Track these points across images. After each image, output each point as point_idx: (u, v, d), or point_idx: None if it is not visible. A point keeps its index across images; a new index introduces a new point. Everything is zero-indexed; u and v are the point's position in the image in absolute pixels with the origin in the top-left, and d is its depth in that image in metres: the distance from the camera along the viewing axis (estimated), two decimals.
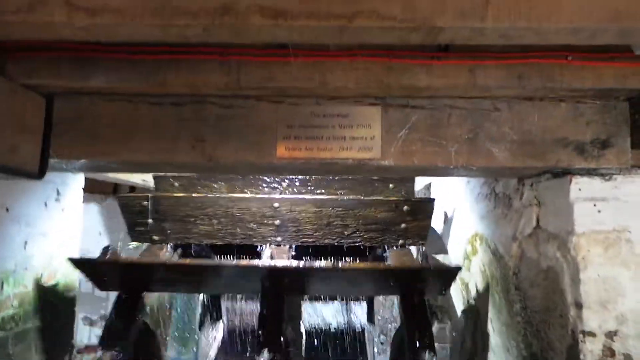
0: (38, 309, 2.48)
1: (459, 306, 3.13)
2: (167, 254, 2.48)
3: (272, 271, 2.15)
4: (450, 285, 2.33)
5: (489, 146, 1.98)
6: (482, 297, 2.73)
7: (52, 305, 2.59)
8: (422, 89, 1.83)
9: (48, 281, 2.59)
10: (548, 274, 2.15)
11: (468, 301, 2.99)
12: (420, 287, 2.24)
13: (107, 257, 2.26)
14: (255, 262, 2.35)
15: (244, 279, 2.25)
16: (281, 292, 2.23)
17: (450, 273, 2.24)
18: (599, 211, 1.95)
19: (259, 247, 2.52)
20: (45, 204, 2.54)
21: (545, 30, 1.36)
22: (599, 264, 1.93)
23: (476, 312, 2.84)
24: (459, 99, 1.97)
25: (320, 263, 2.33)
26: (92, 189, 3.34)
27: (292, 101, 1.97)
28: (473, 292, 2.91)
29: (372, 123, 1.95)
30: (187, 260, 2.45)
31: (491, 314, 2.70)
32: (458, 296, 3.15)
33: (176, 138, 1.96)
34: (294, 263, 2.24)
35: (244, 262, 2.39)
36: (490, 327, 2.70)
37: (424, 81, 1.78)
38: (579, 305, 1.94)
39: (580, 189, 1.97)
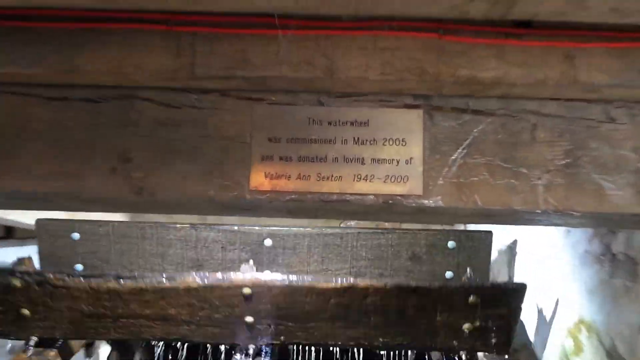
0: None
1: None
2: None
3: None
4: (515, 325, 1.47)
5: (599, 178, 1.28)
6: None
7: None
8: (491, 84, 1.25)
9: None
10: None
11: None
12: (468, 330, 1.36)
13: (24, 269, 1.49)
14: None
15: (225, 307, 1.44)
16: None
17: (513, 294, 1.41)
18: None
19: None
20: None
21: None
22: None
23: None
24: (550, 102, 1.31)
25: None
26: None
27: (278, 99, 1.29)
28: None
29: (408, 137, 1.28)
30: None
31: None
32: None
33: (87, 156, 1.26)
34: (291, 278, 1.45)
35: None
36: None
37: (494, 71, 1.23)
38: None
39: None
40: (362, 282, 1.38)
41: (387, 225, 1.66)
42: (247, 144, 1.25)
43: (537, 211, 1.27)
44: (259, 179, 1.24)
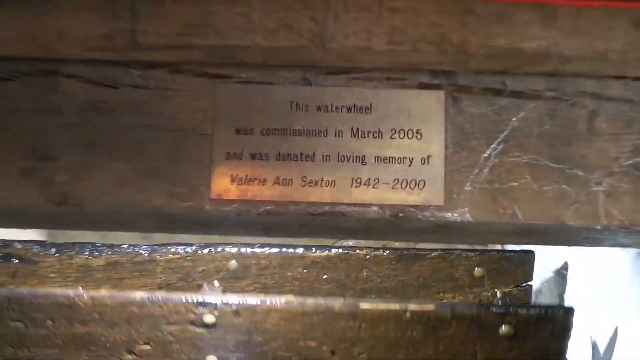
0: None
1: None
2: None
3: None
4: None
5: None
6: None
7: None
8: (535, 58, 0.98)
9: None
10: None
11: None
12: None
13: None
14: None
15: None
16: None
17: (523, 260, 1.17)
18: None
19: None
20: None
21: None
22: None
23: None
24: (613, 82, 1.03)
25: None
26: None
27: (250, 76, 1.01)
28: None
29: (424, 127, 1.00)
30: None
31: None
32: None
33: None
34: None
35: None
36: None
37: (539, 40, 0.96)
38: None
39: None
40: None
41: (397, 245, 1.36)
42: (207, 136, 0.96)
43: (597, 227, 0.98)
44: (224, 184, 0.95)
